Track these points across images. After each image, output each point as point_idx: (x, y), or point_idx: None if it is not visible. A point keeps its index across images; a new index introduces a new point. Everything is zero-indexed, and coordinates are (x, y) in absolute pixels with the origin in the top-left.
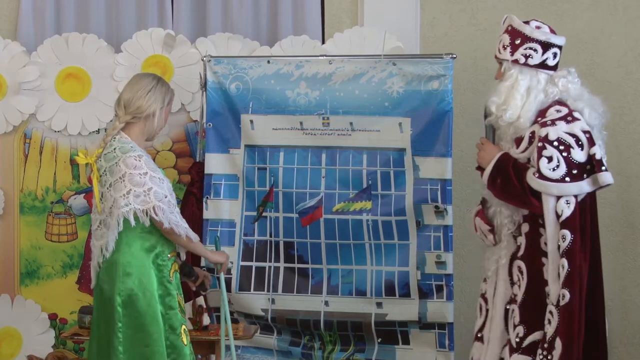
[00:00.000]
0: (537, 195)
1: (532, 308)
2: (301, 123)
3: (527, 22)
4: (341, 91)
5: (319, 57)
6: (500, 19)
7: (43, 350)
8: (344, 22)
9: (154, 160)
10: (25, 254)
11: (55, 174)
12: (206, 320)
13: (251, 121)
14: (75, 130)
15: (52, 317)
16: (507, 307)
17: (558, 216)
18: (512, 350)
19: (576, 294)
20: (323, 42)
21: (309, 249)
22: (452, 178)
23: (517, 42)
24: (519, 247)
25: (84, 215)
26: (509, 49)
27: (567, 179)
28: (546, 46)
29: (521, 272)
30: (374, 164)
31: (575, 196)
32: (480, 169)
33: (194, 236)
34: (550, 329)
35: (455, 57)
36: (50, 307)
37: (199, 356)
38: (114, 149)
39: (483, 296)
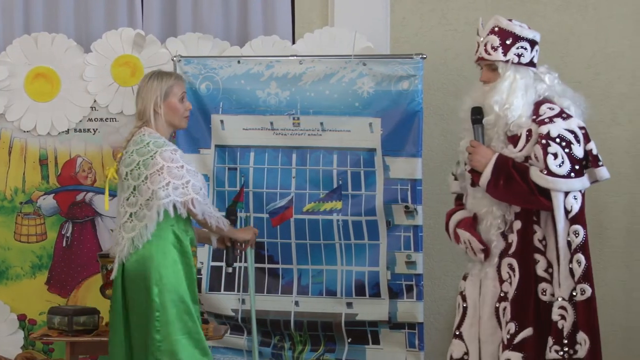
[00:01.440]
0: (544, 193)
1: (522, 305)
2: (271, 123)
3: (509, 21)
4: (311, 91)
5: (290, 57)
6: (471, 19)
7: (12, 351)
8: (314, 22)
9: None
10: None
11: (24, 174)
12: None
13: (221, 121)
14: (44, 131)
15: (21, 318)
16: (497, 305)
17: (567, 212)
18: (504, 347)
19: (594, 288)
20: (293, 42)
21: (279, 249)
22: (422, 178)
23: (508, 42)
24: (509, 245)
25: (53, 216)
26: (500, 50)
27: (572, 174)
28: (533, 44)
29: (512, 269)
30: (345, 164)
31: (580, 191)
32: (474, 172)
33: (224, 224)
34: (566, 325)
35: (425, 57)
36: (19, 308)
37: None
38: (147, 143)
39: (462, 294)
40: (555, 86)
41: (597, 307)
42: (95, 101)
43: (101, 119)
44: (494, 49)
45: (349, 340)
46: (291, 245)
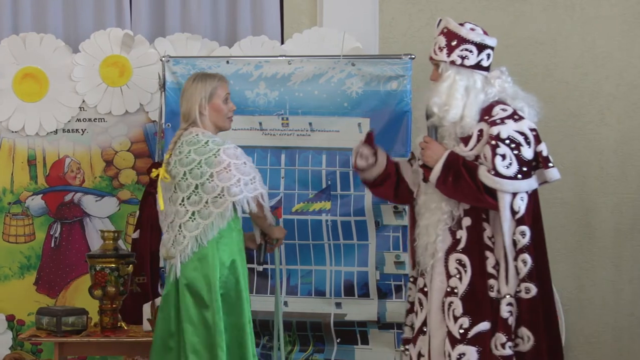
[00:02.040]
0: (491, 192)
1: (476, 300)
2: (260, 123)
3: (461, 25)
4: (300, 91)
5: (278, 58)
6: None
7: (0, 352)
8: (303, 22)
9: (111, 161)
10: None
11: (12, 174)
12: None
13: None
14: (32, 131)
15: (10, 319)
16: (444, 299)
17: (514, 213)
18: (456, 342)
19: (539, 287)
20: (282, 43)
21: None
22: None
23: (454, 43)
24: (458, 241)
25: (41, 216)
26: (445, 51)
27: (519, 176)
28: (481, 47)
29: (462, 265)
30: (333, 164)
31: (527, 192)
32: (425, 167)
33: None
34: (512, 320)
35: (414, 58)
36: (8, 309)
37: None
38: (206, 142)
39: (422, 290)
40: (506, 89)
41: (586, 307)
42: (83, 101)
43: (90, 119)
44: (440, 49)
45: (338, 341)
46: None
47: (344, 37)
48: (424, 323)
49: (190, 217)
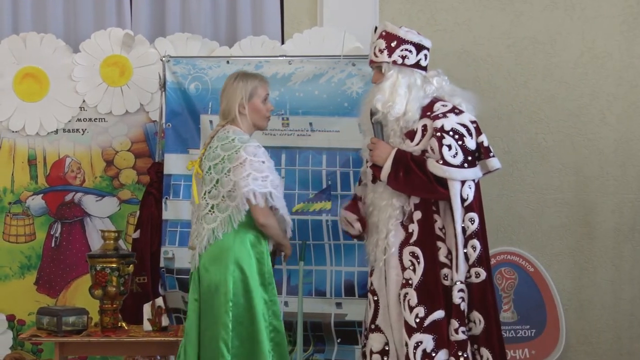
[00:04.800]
0: (441, 182)
1: (430, 289)
2: None
3: (399, 27)
4: (301, 91)
5: (279, 58)
6: (460, 20)
7: (0, 352)
8: (303, 22)
9: (111, 161)
10: None
11: (13, 174)
12: (165, 321)
13: (211, 121)
14: (33, 131)
15: (10, 319)
16: (399, 291)
17: (463, 200)
18: (412, 330)
19: (488, 271)
20: (282, 43)
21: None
22: None
23: (393, 44)
24: (410, 234)
25: (42, 216)
26: (385, 52)
27: (466, 165)
28: (419, 48)
29: (416, 257)
30: (334, 164)
31: (474, 181)
32: (376, 166)
33: (289, 231)
34: (464, 305)
35: None
36: (8, 308)
37: (158, 357)
38: (233, 139)
39: (371, 289)
40: (443, 87)
41: (586, 308)
42: (84, 101)
43: (90, 119)
44: (381, 51)
45: (338, 341)
46: None
47: (344, 37)
48: (373, 320)
49: (209, 210)
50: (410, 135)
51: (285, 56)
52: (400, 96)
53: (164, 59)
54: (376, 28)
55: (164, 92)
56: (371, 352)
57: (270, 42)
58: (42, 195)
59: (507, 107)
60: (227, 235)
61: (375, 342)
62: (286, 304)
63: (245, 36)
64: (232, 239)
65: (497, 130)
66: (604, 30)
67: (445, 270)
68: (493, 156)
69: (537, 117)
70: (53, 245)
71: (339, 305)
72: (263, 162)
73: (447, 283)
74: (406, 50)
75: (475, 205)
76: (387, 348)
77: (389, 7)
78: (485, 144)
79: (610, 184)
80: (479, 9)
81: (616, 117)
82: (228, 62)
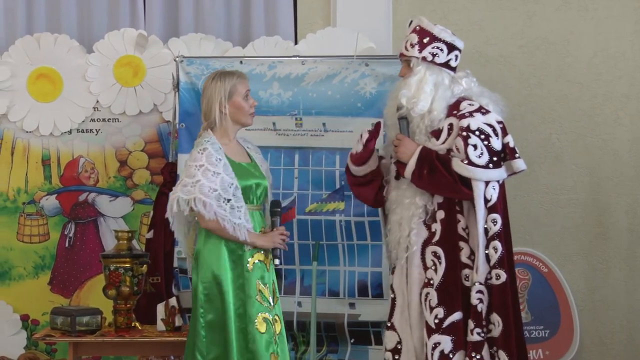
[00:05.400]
0: (466, 182)
1: (450, 290)
2: (274, 124)
3: (434, 25)
4: (314, 92)
5: (292, 58)
6: (472, 20)
7: (15, 352)
8: (316, 22)
9: (125, 161)
10: None
11: (26, 174)
12: (179, 321)
13: None
14: (47, 131)
15: (24, 319)
16: (421, 291)
17: (487, 201)
18: (432, 331)
19: (508, 274)
20: (296, 43)
21: (282, 250)
22: None
23: (426, 40)
24: (433, 234)
25: (55, 216)
26: (417, 47)
27: (491, 165)
28: (451, 48)
29: (438, 257)
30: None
31: (498, 182)
32: (400, 163)
33: (242, 233)
34: (483, 307)
35: None
36: (22, 308)
37: (172, 357)
38: (196, 143)
39: (391, 287)
40: (472, 88)
41: (600, 308)
42: (97, 101)
43: (104, 120)
44: (412, 45)
45: (351, 341)
46: (294, 246)
47: (358, 37)
48: (389, 318)
49: None
50: (436, 133)
51: (299, 56)
52: (426, 93)
53: (177, 59)
54: (411, 22)
55: (177, 93)
56: (385, 350)
57: (284, 42)
58: (56, 195)
59: (520, 107)
60: (199, 240)
61: (389, 340)
62: (299, 304)
63: (258, 36)
64: (203, 243)
65: (510, 130)
66: (617, 30)
67: (466, 271)
68: (519, 157)
69: (550, 118)
70: (67, 245)
71: (352, 305)
72: (201, 165)
73: (467, 284)
74: (437, 48)
75: (498, 207)
76: (399, 347)
77: (401, 8)
78: (511, 144)
79: (624, 184)
80: (491, 10)
81: (630, 117)
82: (241, 62)
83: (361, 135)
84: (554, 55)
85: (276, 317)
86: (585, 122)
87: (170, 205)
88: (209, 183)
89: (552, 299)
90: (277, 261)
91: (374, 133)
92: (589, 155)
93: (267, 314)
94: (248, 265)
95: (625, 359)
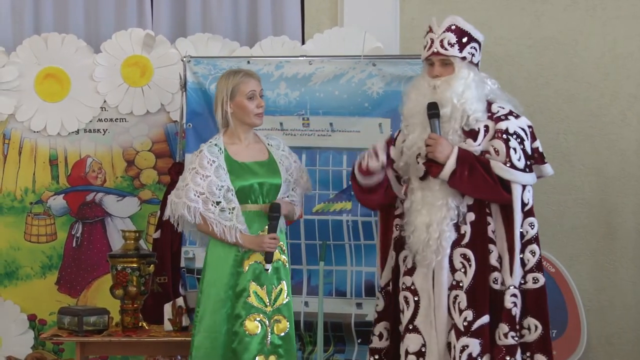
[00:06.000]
0: (504, 185)
1: (479, 293)
2: (281, 124)
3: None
4: (321, 92)
5: (299, 58)
6: (480, 19)
7: (22, 351)
8: (323, 22)
9: (132, 161)
10: (4, 255)
11: (34, 174)
12: (186, 321)
13: None
14: (54, 131)
15: (32, 318)
16: (449, 293)
17: (524, 205)
18: (460, 334)
19: (544, 277)
20: (303, 43)
21: (289, 250)
22: None
23: (464, 40)
24: (462, 236)
25: (63, 216)
26: (457, 47)
27: (527, 169)
28: (480, 47)
29: (467, 259)
30: None
31: (531, 185)
32: (432, 162)
33: (232, 234)
34: (515, 310)
35: None
36: (30, 308)
37: (179, 357)
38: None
39: (409, 289)
40: (495, 90)
41: (607, 308)
42: (105, 101)
43: (111, 119)
44: (451, 45)
45: (358, 341)
46: (301, 246)
47: (365, 37)
48: (411, 320)
49: None
50: (472, 135)
51: (306, 56)
52: (473, 93)
53: (184, 59)
54: (434, 20)
55: (184, 93)
56: (407, 353)
57: (291, 42)
58: (63, 195)
59: (527, 107)
60: (210, 241)
61: (412, 342)
62: (306, 304)
63: (265, 36)
64: (212, 245)
65: None
66: (625, 30)
67: (495, 274)
68: (546, 162)
69: (558, 118)
70: (74, 245)
71: (359, 305)
72: (193, 168)
73: (496, 287)
74: (474, 48)
75: (533, 210)
76: (423, 350)
77: (409, 8)
78: (540, 149)
79: (631, 184)
80: (499, 10)
81: (637, 117)
82: (249, 62)
83: (375, 152)
84: (562, 55)
85: (279, 318)
86: (592, 122)
87: (167, 208)
88: (195, 187)
89: (559, 299)
90: (267, 266)
91: (388, 150)
92: (597, 155)
93: (260, 314)
94: (244, 266)
95: (632, 359)
